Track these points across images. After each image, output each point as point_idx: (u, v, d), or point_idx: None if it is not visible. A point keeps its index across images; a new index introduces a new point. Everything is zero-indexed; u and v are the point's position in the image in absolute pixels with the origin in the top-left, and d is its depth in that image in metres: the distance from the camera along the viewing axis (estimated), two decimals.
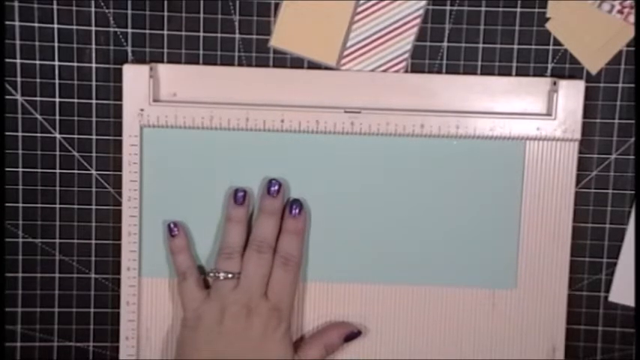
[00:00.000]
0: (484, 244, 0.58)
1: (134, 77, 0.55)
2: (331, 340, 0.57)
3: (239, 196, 0.56)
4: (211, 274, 0.56)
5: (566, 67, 0.57)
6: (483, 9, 0.56)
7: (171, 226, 0.57)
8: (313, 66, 0.57)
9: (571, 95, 0.56)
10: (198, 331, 0.55)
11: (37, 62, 0.56)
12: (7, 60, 0.56)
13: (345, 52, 0.56)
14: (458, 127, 0.56)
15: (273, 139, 0.57)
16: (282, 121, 0.56)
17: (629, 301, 0.58)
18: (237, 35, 0.57)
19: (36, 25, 0.56)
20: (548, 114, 0.56)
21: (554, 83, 0.56)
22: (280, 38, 0.56)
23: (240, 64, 0.57)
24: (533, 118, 0.56)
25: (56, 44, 0.56)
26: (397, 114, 0.56)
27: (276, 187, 0.56)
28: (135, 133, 0.56)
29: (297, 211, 0.56)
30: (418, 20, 0.56)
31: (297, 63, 0.57)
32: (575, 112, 0.56)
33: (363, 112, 0.56)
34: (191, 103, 0.56)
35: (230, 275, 0.55)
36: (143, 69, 0.55)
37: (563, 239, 0.57)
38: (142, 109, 0.56)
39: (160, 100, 0.56)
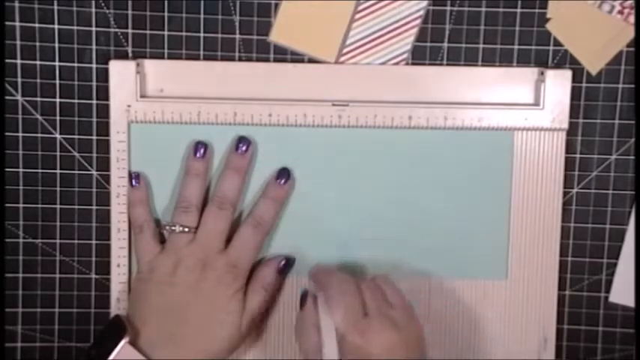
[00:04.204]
0: (474, 234, 0.58)
1: (121, 73, 0.56)
2: (267, 279, 0.56)
3: (199, 150, 0.56)
4: (167, 227, 0.55)
5: (566, 68, 0.57)
6: (484, 9, 0.56)
7: (133, 176, 0.56)
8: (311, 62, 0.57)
9: (558, 84, 0.56)
10: (150, 282, 0.54)
11: (38, 63, 0.56)
12: (8, 60, 0.56)
13: (345, 50, 0.56)
14: (446, 119, 0.56)
15: (261, 133, 0.57)
16: (269, 115, 0.56)
17: (630, 301, 0.58)
18: (237, 36, 0.57)
19: (36, 25, 0.56)
20: (536, 104, 0.56)
21: (542, 73, 0.56)
22: (280, 33, 0.56)
23: None
24: (521, 108, 0.56)
25: (57, 45, 0.56)
26: (385, 106, 0.56)
27: (245, 146, 0.56)
28: (122, 129, 0.56)
29: (283, 181, 0.56)
30: (418, 21, 0.56)
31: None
32: (562, 101, 0.56)
33: (351, 105, 0.56)
34: (178, 99, 0.56)
35: (186, 229, 0.54)
36: (130, 65, 0.56)
37: (553, 229, 0.57)
38: (129, 105, 0.56)
39: (147, 95, 0.56)
